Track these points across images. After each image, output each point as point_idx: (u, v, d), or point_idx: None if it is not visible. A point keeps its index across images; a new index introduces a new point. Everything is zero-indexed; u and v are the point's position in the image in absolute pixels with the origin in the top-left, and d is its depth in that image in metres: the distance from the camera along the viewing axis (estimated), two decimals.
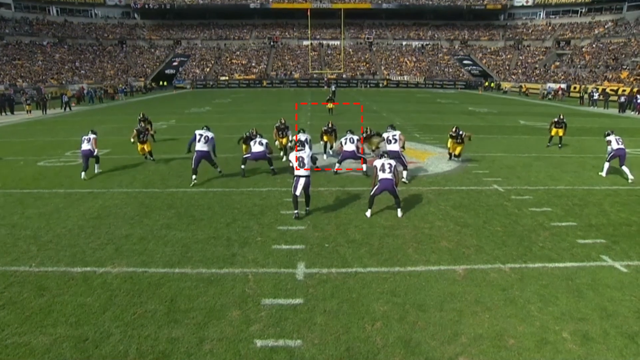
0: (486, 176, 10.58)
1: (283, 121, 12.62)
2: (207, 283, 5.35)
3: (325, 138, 12.76)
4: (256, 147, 10.16)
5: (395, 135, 9.83)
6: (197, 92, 46.84)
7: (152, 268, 5.73)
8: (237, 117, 22.99)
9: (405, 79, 55.61)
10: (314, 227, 7.22)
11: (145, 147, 11.61)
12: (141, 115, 15.51)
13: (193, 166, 9.68)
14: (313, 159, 7.75)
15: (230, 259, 6.01)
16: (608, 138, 10.68)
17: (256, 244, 6.55)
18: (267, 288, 5.24)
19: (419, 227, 7.28)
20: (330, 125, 12.56)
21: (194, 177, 9.70)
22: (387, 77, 55.59)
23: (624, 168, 10.29)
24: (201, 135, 9.75)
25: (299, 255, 6.16)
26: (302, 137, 10.19)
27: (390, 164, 7.68)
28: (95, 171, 11.07)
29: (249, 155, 10.35)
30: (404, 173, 9.94)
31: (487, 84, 50.89)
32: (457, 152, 11.83)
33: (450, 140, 11.91)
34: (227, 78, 55.41)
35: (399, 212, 7.76)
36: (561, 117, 14.56)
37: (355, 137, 10.59)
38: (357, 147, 10.37)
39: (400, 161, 9.61)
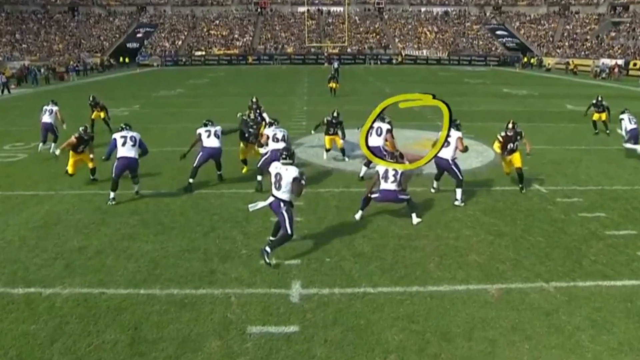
0: (525, 173, 10.58)
1: (255, 100, 11.80)
2: (180, 307, 5.35)
3: (328, 141, 11.52)
4: (211, 141, 9.50)
5: (449, 137, 8.01)
6: (167, 71, 46.78)
7: (112, 289, 5.73)
8: (216, 101, 22.99)
9: (425, 53, 55.73)
10: (313, 236, 7.23)
11: (85, 159, 9.76)
12: (91, 99, 15.44)
13: (114, 178, 8.58)
14: (295, 188, 6.26)
15: (209, 277, 6.01)
16: (622, 116, 12.42)
17: (240, 258, 6.55)
18: (254, 313, 5.24)
19: (442, 236, 7.29)
20: (335, 115, 11.25)
21: (112, 195, 8.64)
22: (403, 51, 55.62)
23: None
24: (124, 137, 8.67)
25: (293, 272, 6.17)
26: (278, 133, 9.41)
27: (395, 171, 7.62)
28: (51, 151, 11.08)
29: (200, 155, 9.50)
30: (458, 192, 8.57)
31: (525, 59, 50.94)
32: (518, 164, 9.20)
33: (498, 145, 9.26)
34: (203, 53, 55.47)
35: (414, 218, 7.77)
36: (599, 98, 15.03)
37: (386, 127, 9.95)
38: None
39: (452, 173, 8.58)
